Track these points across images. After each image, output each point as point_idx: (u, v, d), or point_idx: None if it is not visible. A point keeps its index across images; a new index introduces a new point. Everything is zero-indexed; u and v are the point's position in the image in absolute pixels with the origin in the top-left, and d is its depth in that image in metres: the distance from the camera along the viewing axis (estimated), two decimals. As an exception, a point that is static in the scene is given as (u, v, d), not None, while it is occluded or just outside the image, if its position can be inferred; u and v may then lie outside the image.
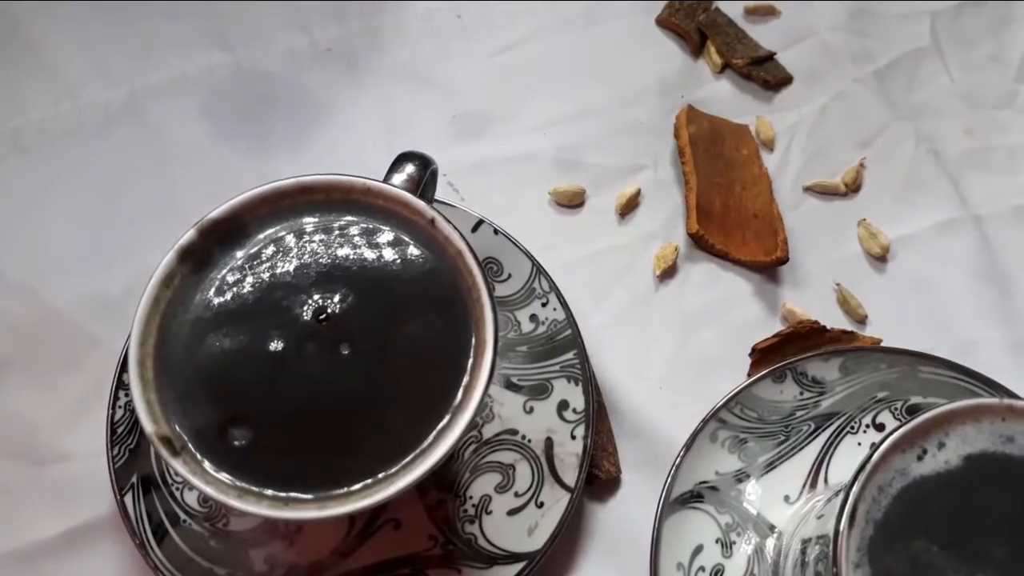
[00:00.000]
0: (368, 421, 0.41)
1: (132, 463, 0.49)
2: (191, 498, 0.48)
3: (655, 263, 0.57)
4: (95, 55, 0.62)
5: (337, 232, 0.44)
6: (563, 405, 0.51)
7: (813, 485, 0.49)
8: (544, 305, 0.53)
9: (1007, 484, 0.39)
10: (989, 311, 0.56)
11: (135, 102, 0.61)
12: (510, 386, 0.52)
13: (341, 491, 0.40)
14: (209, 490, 0.40)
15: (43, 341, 0.54)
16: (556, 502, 0.49)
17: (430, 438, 0.41)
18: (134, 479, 0.48)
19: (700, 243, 0.57)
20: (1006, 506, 0.38)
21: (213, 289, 0.43)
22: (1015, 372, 0.52)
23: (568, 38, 0.64)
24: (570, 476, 0.50)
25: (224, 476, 0.40)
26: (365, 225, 0.45)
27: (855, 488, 0.38)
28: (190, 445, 0.41)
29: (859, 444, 0.50)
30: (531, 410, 0.51)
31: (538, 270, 0.53)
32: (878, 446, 0.38)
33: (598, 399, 0.52)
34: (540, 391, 0.51)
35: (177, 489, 0.49)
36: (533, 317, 0.53)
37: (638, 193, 0.59)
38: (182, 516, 0.48)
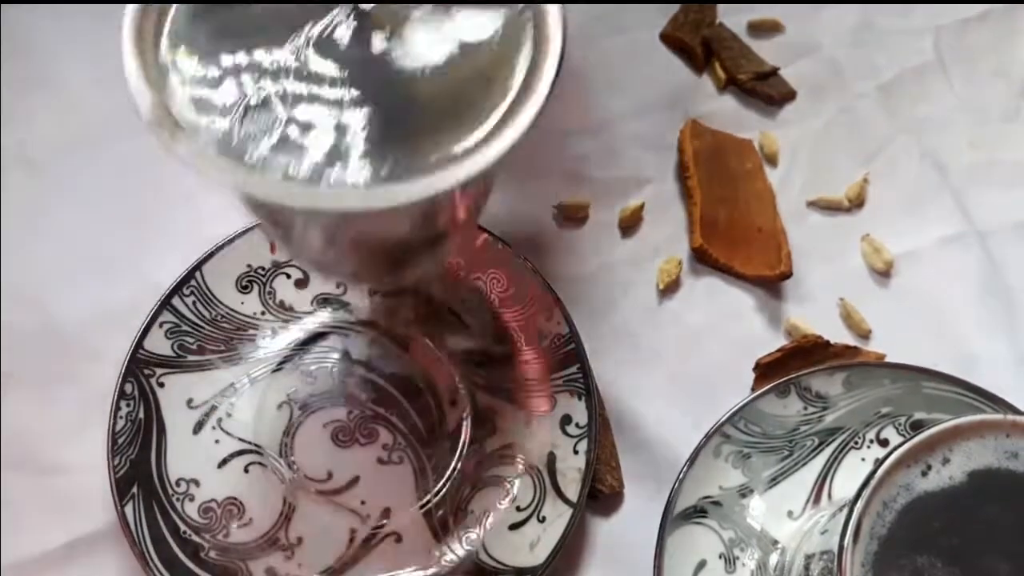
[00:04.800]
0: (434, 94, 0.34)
1: (133, 474, 0.48)
2: (191, 509, 0.48)
3: (658, 277, 0.57)
4: (100, 68, 0.62)
5: None
6: (566, 419, 0.51)
7: (817, 500, 0.49)
8: (548, 319, 0.53)
9: (1011, 500, 0.38)
10: (993, 326, 0.56)
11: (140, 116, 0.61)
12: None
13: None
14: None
15: (46, 352, 0.54)
16: (558, 517, 0.49)
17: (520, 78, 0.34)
18: (135, 490, 0.48)
19: (704, 257, 0.57)
20: (1010, 522, 0.38)
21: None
22: (1019, 388, 0.52)
23: (571, 52, 0.63)
24: (572, 491, 0.49)
25: None
26: None
27: (859, 503, 0.37)
28: None
29: (863, 459, 0.49)
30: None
31: (541, 283, 0.53)
32: (882, 461, 0.38)
33: (601, 413, 0.52)
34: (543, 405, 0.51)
35: (178, 500, 0.48)
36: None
37: (642, 207, 0.59)
38: (182, 527, 0.48)
